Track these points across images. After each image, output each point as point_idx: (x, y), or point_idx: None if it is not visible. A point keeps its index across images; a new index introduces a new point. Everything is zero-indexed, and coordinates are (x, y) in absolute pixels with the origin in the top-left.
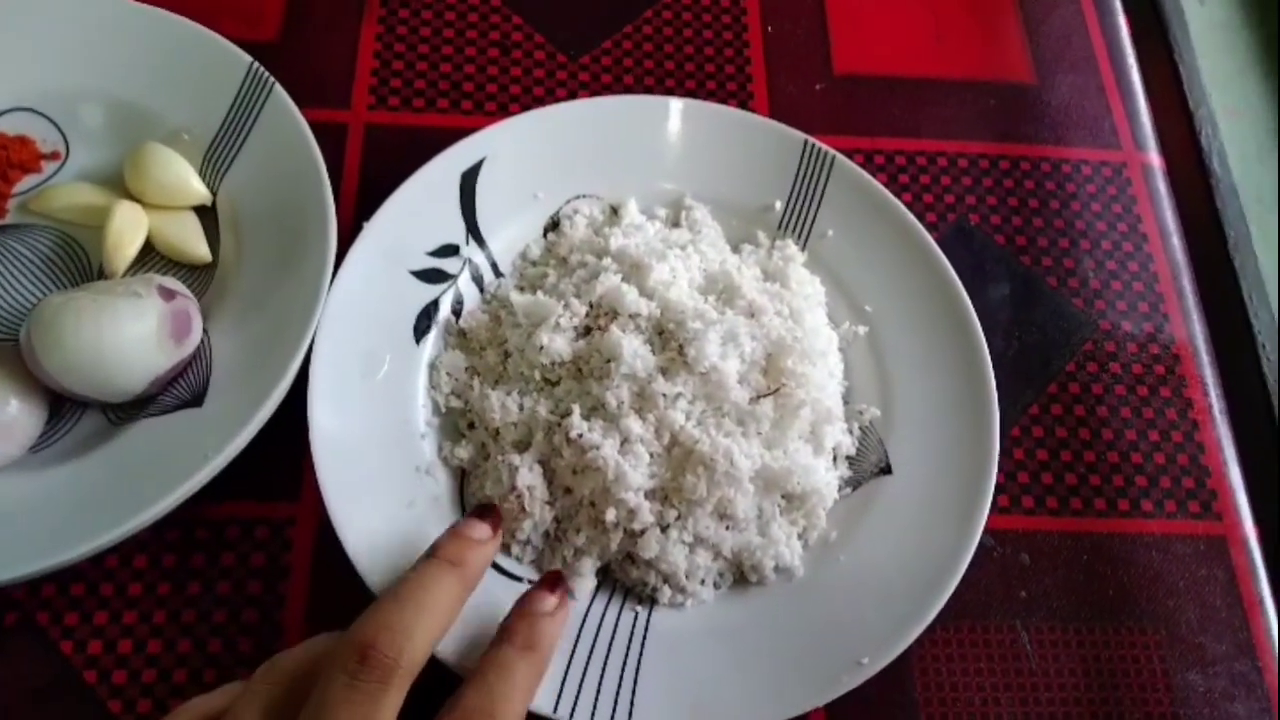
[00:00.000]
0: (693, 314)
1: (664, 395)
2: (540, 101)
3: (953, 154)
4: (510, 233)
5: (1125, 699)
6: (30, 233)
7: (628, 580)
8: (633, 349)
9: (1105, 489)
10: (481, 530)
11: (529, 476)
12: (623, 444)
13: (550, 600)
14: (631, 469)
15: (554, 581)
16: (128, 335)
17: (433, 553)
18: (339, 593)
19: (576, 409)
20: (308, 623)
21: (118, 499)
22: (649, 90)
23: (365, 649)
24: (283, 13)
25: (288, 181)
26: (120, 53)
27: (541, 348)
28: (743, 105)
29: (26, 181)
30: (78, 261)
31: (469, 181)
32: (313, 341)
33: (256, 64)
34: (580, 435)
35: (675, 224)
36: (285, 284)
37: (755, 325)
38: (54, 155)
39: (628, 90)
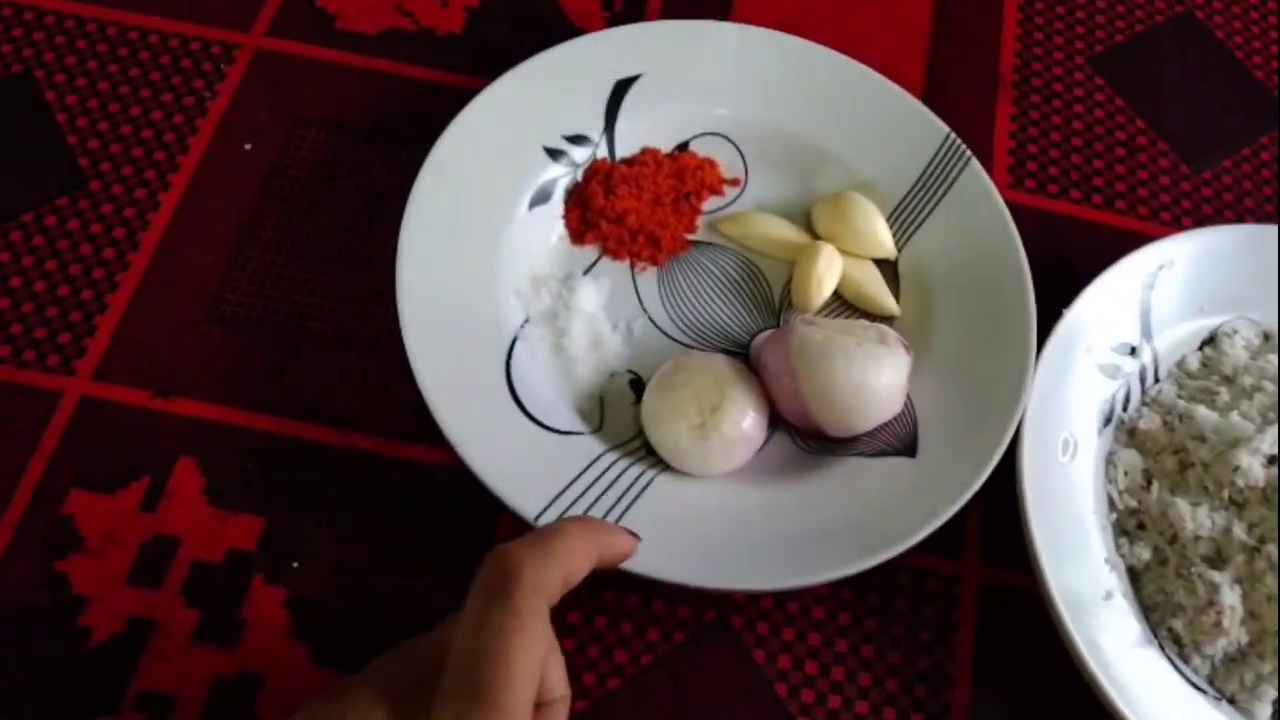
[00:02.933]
0: None
1: None
2: (1164, 208)
3: None
4: (1171, 339)
5: None
6: (716, 252)
7: None
8: None
9: None
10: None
11: (1230, 596)
12: None
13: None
14: None
15: None
16: (886, 382)
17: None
18: (1010, 655)
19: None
20: (974, 682)
21: (839, 535)
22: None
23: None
24: (923, 83)
25: (981, 256)
26: (824, 101)
27: (1237, 468)
28: None
29: (711, 203)
30: (760, 288)
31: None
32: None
33: (954, 135)
34: None
35: None
36: (987, 355)
37: None
38: (734, 181)
39: (1248, 213)
